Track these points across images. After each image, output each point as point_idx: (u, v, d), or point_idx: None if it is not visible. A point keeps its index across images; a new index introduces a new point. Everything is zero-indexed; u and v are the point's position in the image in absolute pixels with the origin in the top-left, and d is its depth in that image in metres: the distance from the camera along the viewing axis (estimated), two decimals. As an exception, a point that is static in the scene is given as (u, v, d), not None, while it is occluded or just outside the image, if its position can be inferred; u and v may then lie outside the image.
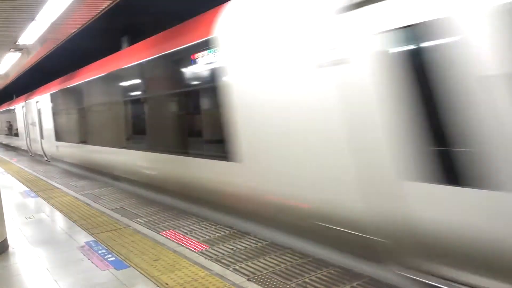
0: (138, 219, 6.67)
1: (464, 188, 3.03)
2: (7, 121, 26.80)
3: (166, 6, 10.23)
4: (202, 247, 5.15)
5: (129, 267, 4.62)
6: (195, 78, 6.25)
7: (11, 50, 12.23)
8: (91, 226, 6.41)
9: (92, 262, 4.84)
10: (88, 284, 4.25)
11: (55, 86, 14.40)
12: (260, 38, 4.69)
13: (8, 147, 28.23)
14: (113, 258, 4.92)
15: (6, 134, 27.83)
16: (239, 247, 5.08)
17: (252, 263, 4.55)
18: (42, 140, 16.61)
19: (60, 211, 7.60)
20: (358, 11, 3.61)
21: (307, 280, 4.03)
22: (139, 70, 8.02)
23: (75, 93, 12.18)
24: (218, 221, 6.22)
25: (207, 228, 5.95)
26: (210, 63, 5.60)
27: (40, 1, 7.80)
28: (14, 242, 5.87)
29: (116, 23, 11.72)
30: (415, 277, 3.55)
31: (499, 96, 2.78)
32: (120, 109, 9.19)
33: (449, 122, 3.09)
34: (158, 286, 4.07)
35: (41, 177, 12.48)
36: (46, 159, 17.12)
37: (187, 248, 5.14)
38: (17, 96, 24.79)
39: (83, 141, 11.82)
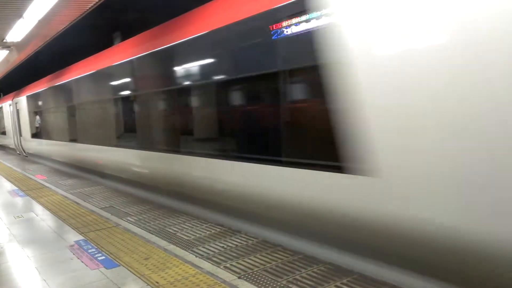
0: (128, 218, 6.64)
1: None
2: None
3: (154, 2, 10.18)
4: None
5: (119, 266, 4.60)
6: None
7: (-2, 47, 12.10)
8: (80, 225, 6.37)
9: (82, 261, 4.81)
10: (77, 284, 4.22)
11: None
12: None
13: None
14: (103, 257, 4.89)
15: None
16: (230, 245, 5.07)
17: (243, 260, 4.55)
18: None
19: (49, 210, 7.54)
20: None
21: (298, 277, 4.04)
22: None
23: None
24: (209, 219, 6.21)
25: (197, 226, 5.94)
26: None
27: (27, -2, 7.72)
28: (3, 241, 5.82)
29: (105, 20, 11.62)
30: None
31: None
32: None
33: None
34: (148, 284, 4.06)
35: (30, 176, 12.36)
36: None
37: (178, 246, 5.12)
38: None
39: None
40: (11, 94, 19.76)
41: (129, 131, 8.57)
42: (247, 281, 4.02)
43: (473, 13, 2.85)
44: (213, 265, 4.46)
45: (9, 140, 20.54)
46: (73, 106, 11.33)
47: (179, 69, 6.60)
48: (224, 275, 4.14)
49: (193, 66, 6.25)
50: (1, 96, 25.78)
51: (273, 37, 4.53)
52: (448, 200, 3.08)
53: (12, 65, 17.79)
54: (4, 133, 22.22)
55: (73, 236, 5.81)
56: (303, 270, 4.18)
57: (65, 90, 11.87)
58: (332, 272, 4.09)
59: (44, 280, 4.38)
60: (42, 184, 10.62)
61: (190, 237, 5.48)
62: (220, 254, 4.78)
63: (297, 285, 3.88)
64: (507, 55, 2.72)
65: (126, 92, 8.49)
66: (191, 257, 4.72)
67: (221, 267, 4.40)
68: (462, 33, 2.92)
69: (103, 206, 7.61)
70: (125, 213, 6.96)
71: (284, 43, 4.41)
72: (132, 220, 6.51)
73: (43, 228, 6.45)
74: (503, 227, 2.84)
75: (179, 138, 6.80)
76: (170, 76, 6.77)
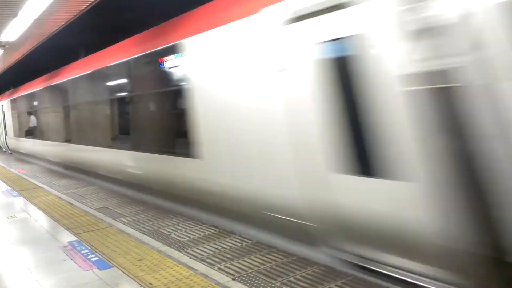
0: (122, 219, 6.61)
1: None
2: None
3: (151, 3, 10.16)
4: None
5: (113, 267, 4.57)
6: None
7: (-7, 46, 12.03)
8: (74, 225, 6.33)
9: (75, 262, 4.78)
10: (70, 285, 4.20)
11: None
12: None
13: None
14: (96, 258, 4.87)
15: None
16: (224, 246, 5.06)
17: (237, 262, 4.54)
18: None
19: (43, 210, 7.50)
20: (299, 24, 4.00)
21: (292, 279, 4.03)
22: None
23: None
24: (203, 220, 6.20)
25: (192, 227, 5.92)
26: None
27: (22, -3, 7.69)
28: (-5, 242, 5.78)
29: (100, 20, 11.59)
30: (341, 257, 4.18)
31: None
32: None
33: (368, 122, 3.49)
34: (142, 286, 4.04)
35: (23, 176, 12.29)
36: None
37: (172, 247, 5.10)
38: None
39: None
40: None
41: None
42: (241, 283, 4.01)
43: None
44: (207, 266, 4.44)
45: None
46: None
47: None
48: (218, 277, 4.13)
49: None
50: None
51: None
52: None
53: (7, 65, 17.69)
54: None
55: (67, 237, 5.78)
56: (297, 272, 4.17)
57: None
58: (326, 274, 4.08)
59: (37, 281, 4.35)
60: (35, 184, 10.56)
61: (184, 238, 5.46)
62: (214, 256, 4.77)
63: (291, 287, 3.87)
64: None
65: None
66: (185, 258, 4.70)
67: (215, 268, 4.39)
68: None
69: (97, 207, 7.57)
70: (119, 214, 6.93)
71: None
72: (126, 221, 6.48)
73: (36, 228, 6.41)
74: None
75: None
76: None
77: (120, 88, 8.62)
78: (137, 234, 5.72)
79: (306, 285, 3.89)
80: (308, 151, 4.11)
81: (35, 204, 8.06)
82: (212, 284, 3.97)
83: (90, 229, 6.10)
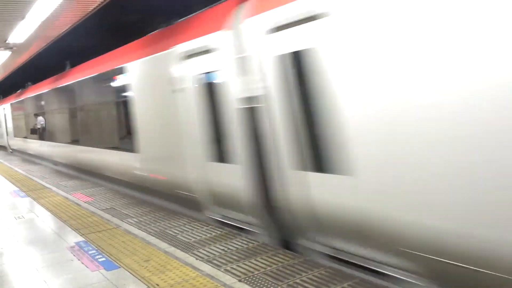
0: (129, 220, 6.63)
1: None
2: None
3: (157, 4, 10.20)
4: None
5: (120, 267, 4.59)
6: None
7: (1, 49, 12.11)
8: (81, 226, 6.37)
9: (82, 263, 4.81)
10: (77, 285, 4.22)
11: None
12: None
13: None
14: (103, 259, 4.89)
15: None
16: (231, 247, 5.06)
17: (243, 263, 4.54)
18: None
19: (50, 211, 7.54)
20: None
21: (298, 281, 4.03)
22: None
23: None
24: (210, 221, 6.20)
25: (198, 228, 5.93)
26: None
27: (30, 0, 7.74)
28: (3, 242, 5.81)
29: (107, 22, 11.65)
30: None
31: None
32: None
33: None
34: (148, 287, 4.05)
35: (31, 176, 12.36)
36: None
37: (178, 248, 5.11)
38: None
39: None
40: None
41: None
42: (247, 284, 4.00)
43: None
44: (214, 267, 4.45)
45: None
46: None
47: None
48: (224, 278, 4.13)
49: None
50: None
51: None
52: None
53: (15, 66, 17.81)
54: None
55: (74, 238, 5.81)
56: (303, 274, 4.16)
57: None
58: (333, 276, 4.07)
59: (44, 281, 4.38)
60: (43, 185, 10.62)
61: (190, 239, 5.47)
62: (220, 257, 4.77)
63: (297, 288, 3.86)
64: None
65: None
66: (191, 259, 4.71)
67: (222, 270, 4.39)
68: None
69: (104, 208, 7.60)
70: (126, 215, 6.95)
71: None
72: (133, 222, 6.50)
73: (43, 229, 6.45)
74: None
75: None
76: None
77: None
78: (144, 235, 5.74)
79: (312, 287, 3.88)
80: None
81: (42, 205, 8.11)
82: (219, 285, 3.97)
83: (97, 229, 6.13)
